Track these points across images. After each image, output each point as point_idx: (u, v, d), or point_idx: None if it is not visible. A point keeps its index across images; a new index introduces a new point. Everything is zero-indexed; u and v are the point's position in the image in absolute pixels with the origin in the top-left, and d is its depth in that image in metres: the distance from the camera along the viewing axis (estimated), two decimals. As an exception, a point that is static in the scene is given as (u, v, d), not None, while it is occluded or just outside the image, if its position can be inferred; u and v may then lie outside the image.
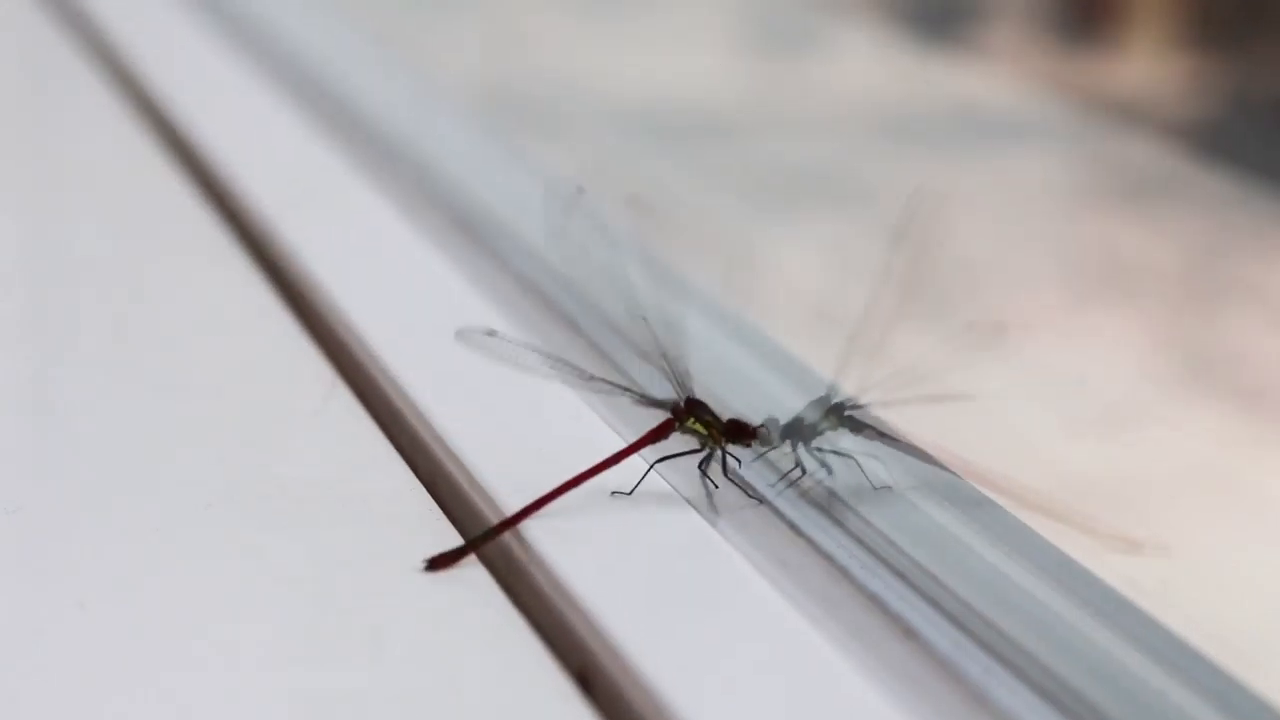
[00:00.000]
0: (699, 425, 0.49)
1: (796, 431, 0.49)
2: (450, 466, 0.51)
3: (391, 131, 0.81)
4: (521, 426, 0.53)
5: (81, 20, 0.98)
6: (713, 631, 0.43)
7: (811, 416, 0.49)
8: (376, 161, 0.77)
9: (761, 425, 0.49)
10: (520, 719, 0.42)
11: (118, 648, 0.43)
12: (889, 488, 0.49)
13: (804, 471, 0.49)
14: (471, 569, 0.47)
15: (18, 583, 0.46)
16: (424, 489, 0.51)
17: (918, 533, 0.47)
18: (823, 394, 0.49)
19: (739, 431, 0.49)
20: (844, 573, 0.46)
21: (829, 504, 0.48)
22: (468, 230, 0.69)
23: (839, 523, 0.48)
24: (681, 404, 0.49)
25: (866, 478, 0.49)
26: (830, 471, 0.48)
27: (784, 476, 0.49)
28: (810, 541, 0.47)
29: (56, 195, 0.78)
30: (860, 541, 0.47)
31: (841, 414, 0.49)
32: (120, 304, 0.65)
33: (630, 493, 0.48)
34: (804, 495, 0.49)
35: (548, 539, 0.46)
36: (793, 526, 0.48)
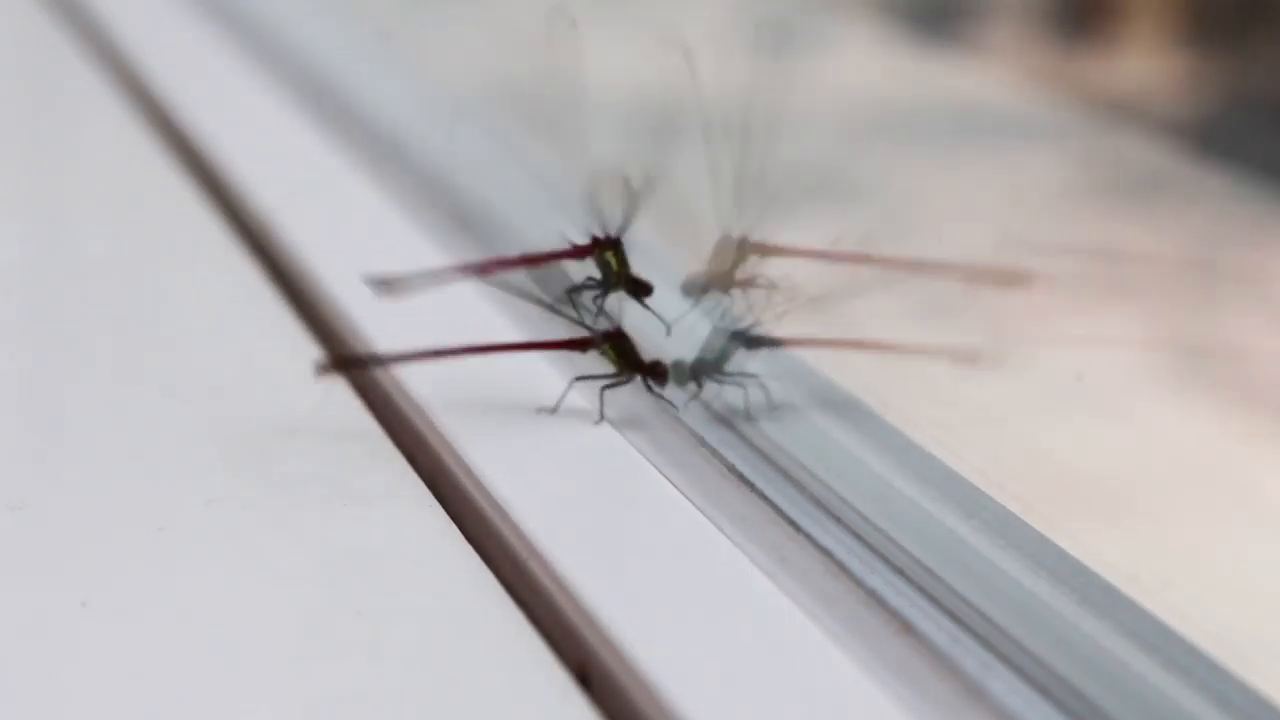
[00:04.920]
0: (613, 355, 0.52)
1: (703, 368, 0.53)
2: (450, 462, 0.51)
3: (393, 129, 0.81)
4: (524, 426, 0.53)
5: (82, 18, 0.98)
6: (711, 627, 0.43)
7: (713, 348, 0.53)
8: (378, 159, 0.77)
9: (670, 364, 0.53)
10: (520, 717, 0.42)
11: (119, 646, 0.43)
12: (791, 405, 0.52)
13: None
14: (472, 568, 0.47)
15: (21, 581, 0.46)
16: (423, 484, 0.51)
17: (917, 527, 0.47)
18: (719, 324, 0.53)
19: (653, 370, 0.52)
20: (842, 568, 0.46)
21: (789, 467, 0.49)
22: (469, 228, 0.69)
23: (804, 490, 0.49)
24: (610, 330, 0.52)
25: (769, 397, 0.52)
26: (745, 389, 0.53)
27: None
28: (809, 537, 0.47)
29: (57, 194, 0.78)
30: (858, 537, 0.47)
31: (742, 338, 0.53)
32: (121, 302, 0.65)
33: (554, 409, 0.52)
34: (784, 474, 0.50)
35: (546, 536, 0.46)
36: (791, 522, 0.48)
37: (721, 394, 0.53)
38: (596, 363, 0.53)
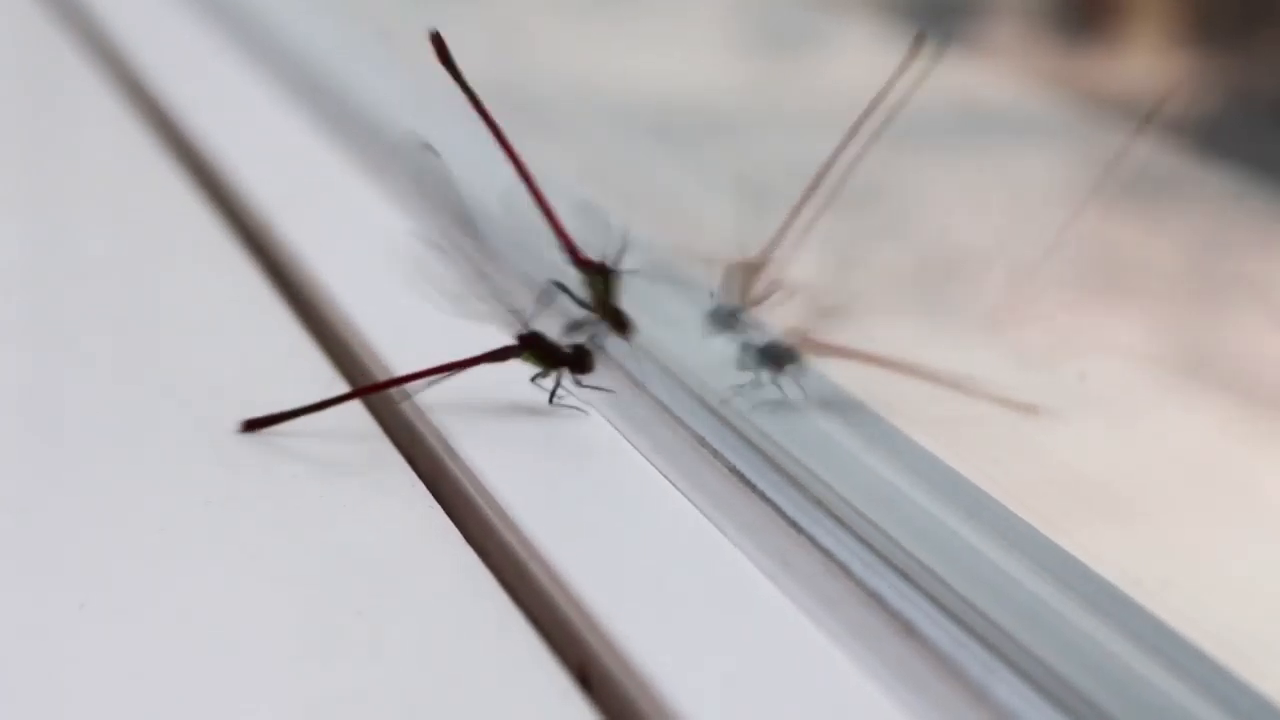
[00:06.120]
0: (534, 357, 0.52)
1: (772, 357, 0.54)
2: (450, 464, 0.51)
3: (392, 129, 0.81)
4: (524, 426, 0.53)
5: (81, 18, 0.98)
6: (712, 628, 0.43)
7: (783, 344, 0.54)
8: (378, 159, 0.77)
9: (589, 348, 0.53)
10: (520, 717, 0.42)
11: (118, 646, 0.43)
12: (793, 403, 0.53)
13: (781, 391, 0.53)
14: (472, 568, 0.47)
15: (21, 581, 0.46)
16: (424, 486, 0.51)
17: (919, 528, 0.47)
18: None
19: (577, 359, 0.52)
20: (844, 569, 0.46)
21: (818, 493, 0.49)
22: (469, 228, 0.69)
23: (836, 518, 0.48)
24: (523, 335, 0.52)
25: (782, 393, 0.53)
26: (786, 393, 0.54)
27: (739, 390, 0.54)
28: (810, 538, 0.47)
29: (57, 194, 0.78)
30: (860, 538, 0.47)
31: (781, 352, 0.54)
32: (121, 302, 0.65)
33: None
34: (796, 485, 0.49)
35: (546, 536, 0.46)
36: (792, 523, 0.48)
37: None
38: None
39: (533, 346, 0.53)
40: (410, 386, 0.53)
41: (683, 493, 0.49)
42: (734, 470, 0.50)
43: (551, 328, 0.53)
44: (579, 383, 0.53)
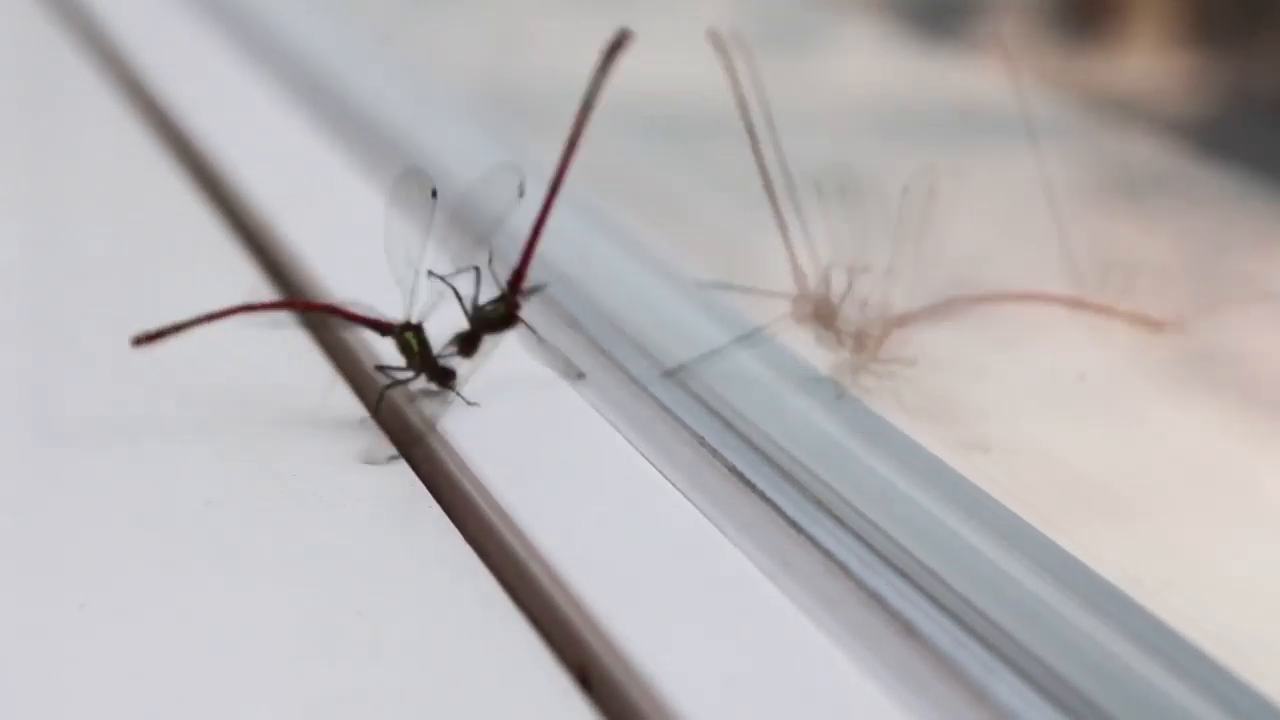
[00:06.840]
0: (403, 347, 0.53)
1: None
2: (450, 464, 0.51)
3: (392, 128, 0.81)
4: (524, 427, 0.53)
5: (80, 18, 0.98)
6: (712, 628, 0.43)
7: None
8: (377, 159, 0.77)
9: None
10: (520, 717, 0.42)
11: (118, 647, 0.43)
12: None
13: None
14: (472, 568, 0.47)
15: (21, 582, 0.46)
16: (422, 484, 0.51)
17: (919, 528, 0.47)
18: None
19: (441, 373, 0.53)
20: (843, 569, 0.46)
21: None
22: (468, 228, 0.69)
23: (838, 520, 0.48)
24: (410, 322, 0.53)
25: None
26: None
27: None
28: (810, 538, 0.47)
29: (57, 194, 0.78)
30: (860, 538, 0.47)
31: None
32: (121, 302, 0.65)
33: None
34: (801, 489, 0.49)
35: (546, 537, 0.46)
36: (792, 523, 0.48)
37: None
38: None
39: (412, 334, 0.53)
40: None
41: (683, 493, 0.49)
42: (734, 470, 0.50)
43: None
44: (452, 388, 0.53)
